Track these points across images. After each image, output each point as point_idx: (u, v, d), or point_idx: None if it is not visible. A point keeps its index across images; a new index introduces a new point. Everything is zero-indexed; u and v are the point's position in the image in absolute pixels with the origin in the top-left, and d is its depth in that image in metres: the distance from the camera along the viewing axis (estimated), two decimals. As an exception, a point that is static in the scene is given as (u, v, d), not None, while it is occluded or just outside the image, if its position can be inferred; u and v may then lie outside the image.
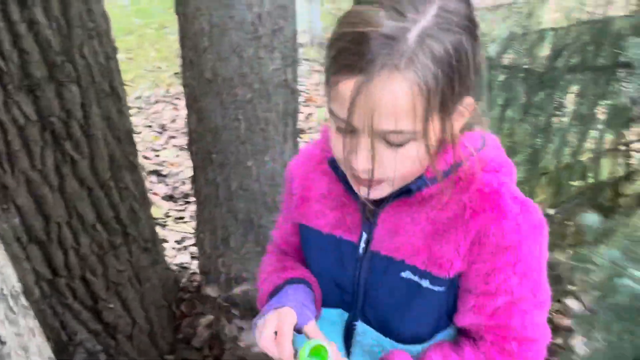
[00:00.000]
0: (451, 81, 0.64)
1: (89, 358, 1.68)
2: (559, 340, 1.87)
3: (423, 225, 0.79)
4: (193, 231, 2.57)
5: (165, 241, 2.92)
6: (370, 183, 0.72)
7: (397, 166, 0.69)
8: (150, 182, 3.71)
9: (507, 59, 1.87)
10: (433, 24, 0.62)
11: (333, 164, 0.82)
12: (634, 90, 1.91)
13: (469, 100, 0.70)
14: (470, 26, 0.65)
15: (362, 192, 0.75)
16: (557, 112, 1.90)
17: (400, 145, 0.67)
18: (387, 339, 0.87)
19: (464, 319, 0.82)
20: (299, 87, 1.74)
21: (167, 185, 3.71)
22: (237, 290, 1.82)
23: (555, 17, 1.90)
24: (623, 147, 2.02)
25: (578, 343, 1.60)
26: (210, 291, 1.83)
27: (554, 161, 2.04)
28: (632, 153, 1.98)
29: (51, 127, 1.47)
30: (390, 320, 0.86)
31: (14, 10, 1.33)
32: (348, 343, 0.93)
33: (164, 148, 4.18)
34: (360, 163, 0.69)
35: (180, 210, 3.43)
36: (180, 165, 3.87)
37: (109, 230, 1.67)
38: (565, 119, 1.93)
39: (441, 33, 0.62)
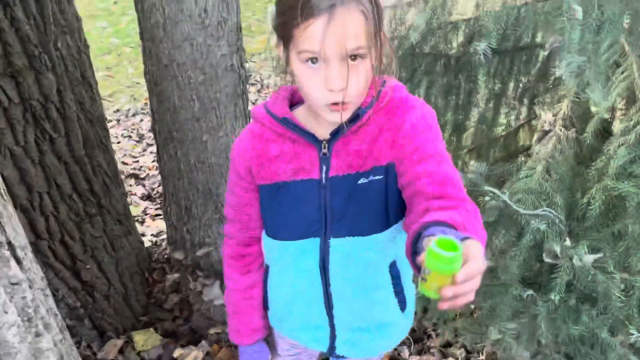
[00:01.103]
0: (378, 15, 0.91)
1: (70, 312, 1.92)
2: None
3: (364, 141, 1.01)
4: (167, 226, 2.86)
5: (144, 235, 3.17)
6: (343, 105, 0.92)
7: (359, 84, 0.92)
8: (129, 185, 3.96)
9: (427, 47, 2.18)
10: None
11: (285, 122, 1.02)
12: (535, 70, 2.23)
13: (383, 33, 0.95)
14: None
15: (335, 118, 0.94)
16: (473, 91, 2.20)
17: (359, 57, 0.89)
18: (358, 237, 1.04)
19: (425, 204, 0.91)
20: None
21: (144, 187, 3.96)
22: (200, 253, 2.07)
23: (469, 6, 2.21)
24: (534, 122, 2.33)
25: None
26: (178, 255, 2.08)
27: (477, 135, 2.35)
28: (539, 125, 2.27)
29: (32, 109, 1.73)
30: (355, 222, 1.04)
31: (-2, 10, 1.60)
32: (326, 267, 1.08)
33: (142, 155, 4.44)
34: (336, 82, 0.88)
35: (157, 208, 3.69)
36: (158, 169, 4.14)
37: (84, 201, 1.93)
38: (480, 97, 2.25)
39: None
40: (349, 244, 1.05)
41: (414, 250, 0.79)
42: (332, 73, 0.88)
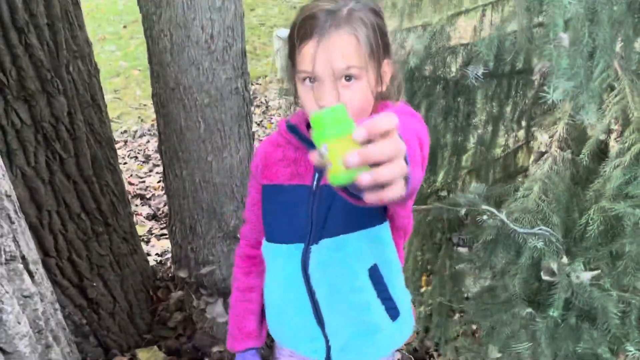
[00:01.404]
0: (375, 38, 0.97)
1: (76, 329, 1.95)
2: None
3: None
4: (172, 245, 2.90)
5: (149, 254, 3.21)
6: None
7: (352, 103, 0.97)
8: (135, 205, 4.01)
9: (426, 71, 2.24)
10: (355, 6, 0.98)
11: (292, 129, 1.12)
12: (532, 93, 2.28)
13: (388, 61, 1.03)
14: (379, 13, 1.01)
15: None
16: (472, 114, 2.25)
17: (353, 78, 0.95)
18: (327, 239, 1.09)
19: None
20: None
21: (150, 207, 4.02)
22: (204, 271, 2.11)
23: (466, 33, 2.27)
24: (532, 143, 2.37)
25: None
26: (182, 273, 2.12)
27: (476, 156, 2.39)
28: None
29: (43, 130, 1.79)
30: (330, 226, 1.09)
31: (13, 36, 1.66)
32: (307, 273, 1.13)
33: (148, 175, 4.50)
34: (325, 100, 0.96)
35: (162, 228, 3.73)
36: (163, 189, 4.19)
37: (92, 220, 1.98)
38: (479, 119, 2.29)
39: (362, 10, 0.98)
40: (323, 248, 1.10)
41: None
42: (322, 91, 0.96)
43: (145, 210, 3.94)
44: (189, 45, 1.79)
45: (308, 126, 1.14)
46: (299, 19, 0.98)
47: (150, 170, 4.54)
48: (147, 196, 4.18)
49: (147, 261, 2.41)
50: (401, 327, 1.19)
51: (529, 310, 1.52)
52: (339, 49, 0.94)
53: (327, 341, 1.17)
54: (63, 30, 1.81)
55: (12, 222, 0.89)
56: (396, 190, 0.59)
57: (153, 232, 3.69)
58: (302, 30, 0.95)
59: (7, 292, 0.79)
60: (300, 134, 1.12)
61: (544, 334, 1.49)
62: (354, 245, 1.09)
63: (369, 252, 1.10)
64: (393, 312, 1.16)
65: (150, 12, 1.81)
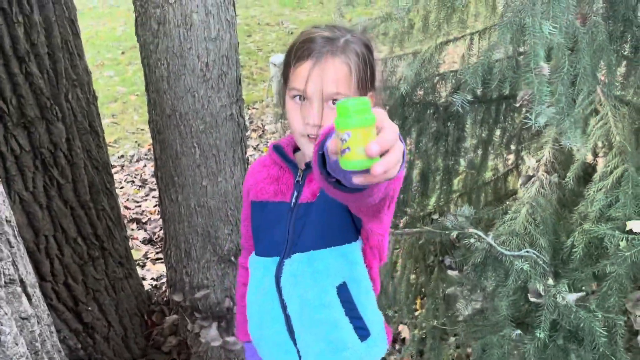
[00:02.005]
0: (364, 71, 1.06)
1: (71, 353, 1.96)
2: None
3: None
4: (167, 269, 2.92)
5: (144, 278, 3.22)
6: (317, 138, 1.02)
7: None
8: (131, 229, 4.03)
9: (417, 97, 2.30)
10: (351, 38, 1.07)
11: (277, 149, 1.21)
12: (520, 118, 2.34)
13: (373, 93, 1.11)
14: (370, 48, 1.10)
15: (310, 149, 1.07)
16: (462, 138, 2.30)
17: None
18: (298, 254, 1.14)
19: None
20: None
21: (146, 231, 4.03)
22: (199, 295, 2.13)
23: (454, 59, 2.34)
24: (521, 167, 2.42)
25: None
26: (176, 297, 2.14)
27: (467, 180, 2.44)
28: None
29: (41, 156, 1.83)
30: (301, 242, 1.14)
31: (14, 65, 1.72)
32: (279, 286, 1.17)
33: (145, 200, 4.53)
34: (312, 118, 1.03)
35: (158, 252, 3.74)
36: (159, 214, 4.21)
37: (88, 244, 2.00)
38: (469, 144, 2.34)
39: (357, 43, 1.07)
40: (295, 262, 1.15)
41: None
42: (310, 109, 1.04)
43: (141, 235, 3.96)
44: (185, 73, 1.85)
45: (295, 149, 1.22)
46: (299, 40, 1.06)
47: (147, 195, 4.56)
48: (143, 220, 4.20)
49: (142, 285, 2.43)
50: (371, 348, 1.20)
51: (518, 332, 1.54)
52: (331, 74, 1.02)
53: (299, 356, 1.19)
54: (63, 59, 1.87)
55: (12, 246, 0.92)
56: (397, 157, 0.66)
57: (149, 256, 3.70)
58: (300, 52, 1.04)
59: (5, 314, 0.82)
60: (285, 155, 1.20)
61: (532, 356, 1.51)
62: (324, 262, 1.13)
63: (338, 270, 1.13)
64: (362, 332, 1.18)
65: (148, 42, 1.87)
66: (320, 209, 1.12)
